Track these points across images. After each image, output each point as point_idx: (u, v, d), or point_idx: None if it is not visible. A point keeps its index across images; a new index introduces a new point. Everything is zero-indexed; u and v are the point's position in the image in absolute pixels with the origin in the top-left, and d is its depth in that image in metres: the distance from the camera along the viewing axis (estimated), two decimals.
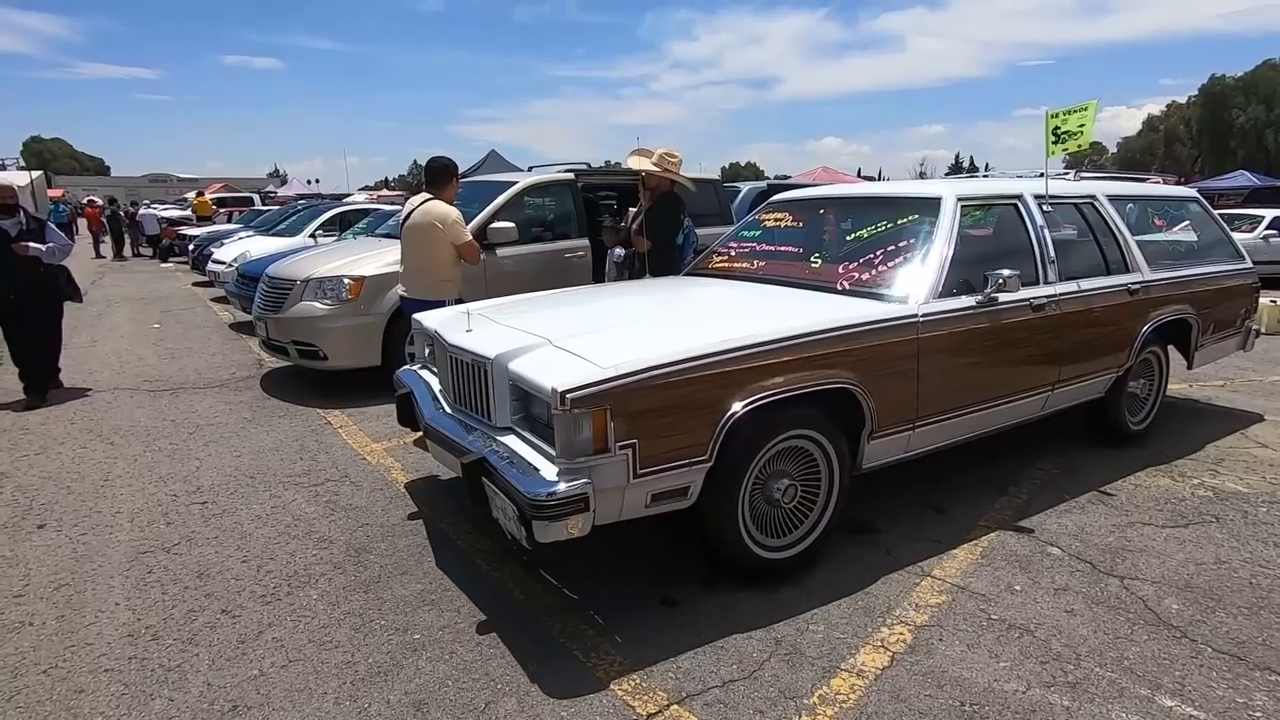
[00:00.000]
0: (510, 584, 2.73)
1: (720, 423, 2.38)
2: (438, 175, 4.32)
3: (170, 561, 2.92)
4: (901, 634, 2.39)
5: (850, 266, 3.27)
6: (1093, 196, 3.96)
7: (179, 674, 2.22)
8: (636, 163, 4.87)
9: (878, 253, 3.25)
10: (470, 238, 4.26)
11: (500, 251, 5.55)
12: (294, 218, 11.62)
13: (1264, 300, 5.58)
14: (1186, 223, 4.67)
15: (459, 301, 4.19)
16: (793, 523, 2.75)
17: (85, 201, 25.43)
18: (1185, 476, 3.71)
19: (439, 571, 2.82)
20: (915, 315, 2.89)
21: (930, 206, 3.30)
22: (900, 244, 3.23)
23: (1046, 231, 3.54)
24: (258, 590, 2.70)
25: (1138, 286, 3.82)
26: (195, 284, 12.46)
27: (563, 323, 2.91)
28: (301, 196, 24.89)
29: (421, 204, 4.23)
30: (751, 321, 2.69)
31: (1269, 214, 12.08)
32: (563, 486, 2.15)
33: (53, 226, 5.48)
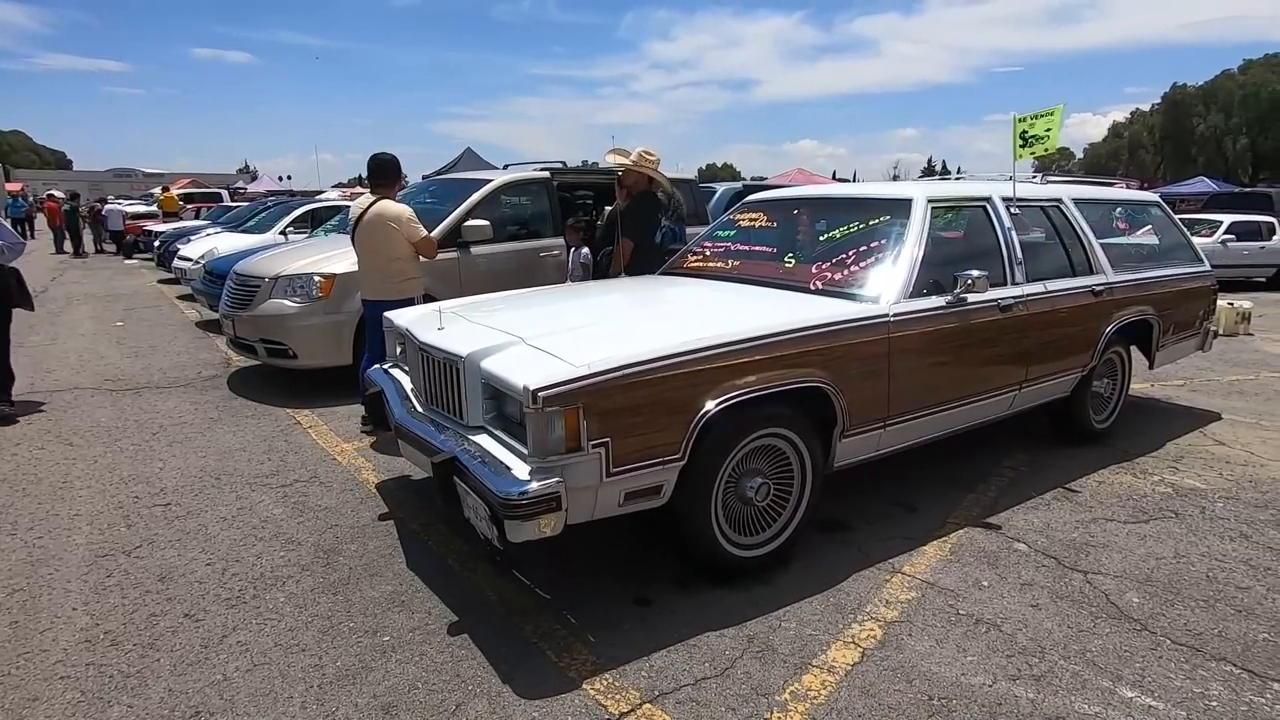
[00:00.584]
0: (483, 585, 2.71)
1: (693, 421, 2.38)
2: (384, 172, 4.21)
3: (131, 565, 2.84)
4: (872, 630, 2.42)
5: (823, 266, 3.30)
6: (1059, 200, 4.05)
7: (139, 680, 2.16)
8: (614, 160, 4.86)
9: (850, 253, 3.28)
10: (426, 233, 4.20)
11: (475, 250, 5.50)
12: (264, 214, 11.39)
13: (1221, 302, 5.74)
14: (1148, 226, 4.79)
15: (428, 298, 4.14)
16: (766, 521, 2.77)
17: (45, 196, 24.70)
18: (1146, 474, 3.81)
19: (410, 573, 2.79)
20: (886, 315, 2.92)
21: (901, 208, 3.34)
22: (872, 244, 3.27)
23: (1014, 234, 3.61)
24: (222, 594, 2.64)
25: (1101, 288, 3.91)
26: (160, 281, 12.17)
27: (536, 321, 2.89)
28: (271, 193, 24.44)
29: (371, 204, 4.14)
30: (725, 320, 2.70)
31: (1227, 219, 12.47)
32: (535, 485, 2.13)
33: (2, 223, 5.01)
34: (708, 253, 4.03)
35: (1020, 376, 3.55)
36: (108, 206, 19.96)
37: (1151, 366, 4.48)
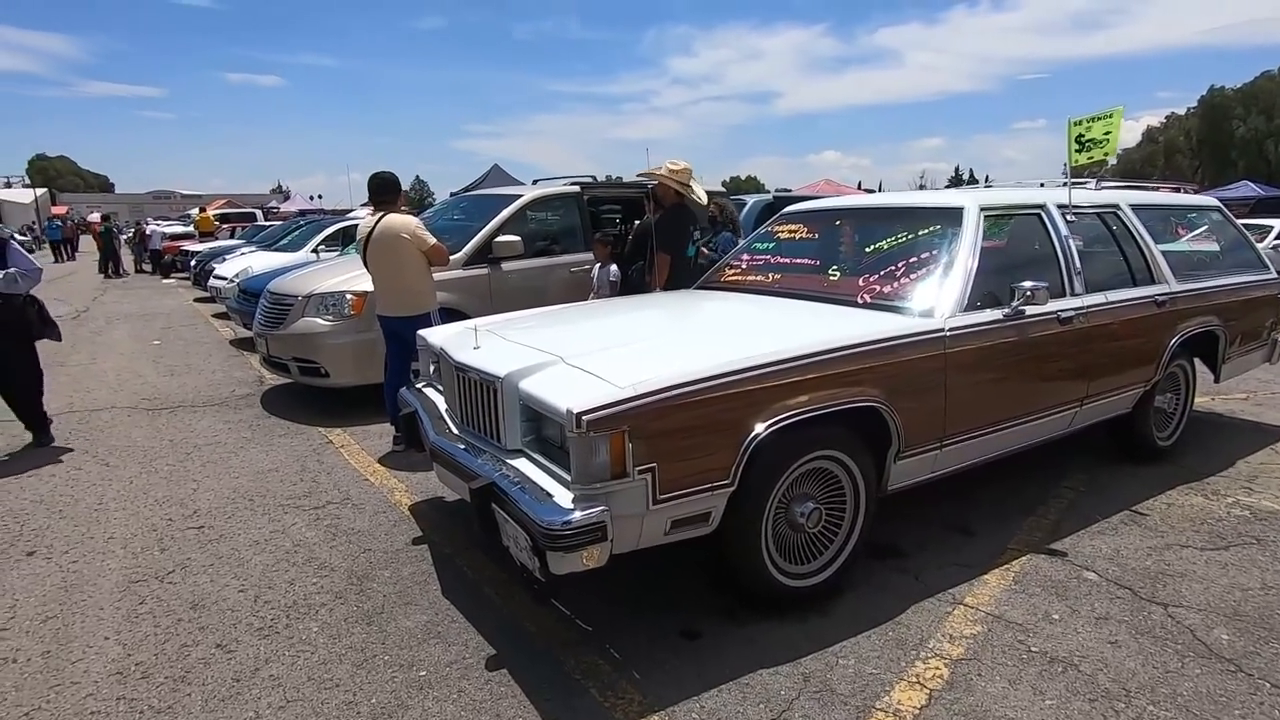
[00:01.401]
0: (521, 614, 2.60)
1: (743, 444, 2.25)
2: (385, 189, 4.19)
3: (164, 591, 2.79)
4: (938, 669, 2.25)
5: (871, 279, 3.16)
6: (1116, 205, 3.86)
7: (170, 716, 2.08)
8: (649, 175, 4.81)
9: (899, 265, 3.14)
10: (436, 240, 4.13)
11: (505, 265, 5.45)
12: (296, 233, 11.56)
13: None
14: (1210, 232, 4.56)
15: (457, 315, 4.08)
16: (817, 548, 2.62)
17: (85, 219, 25.49)
18: (1219, 495, 3.57)
19: (445, 601, 2.69)
20: (942, 329, 2.77)
21: (953, 217, 3.19)
22: (923, 255, 3.12)
23: (1071, 242, 3.43)
24: (254, 623, 2.56)
25: (1164, 298, 3.70)
26: (196, 300, 12.38)
27: (575, 339, 2.79)
28: (304, 212, 24.92)
29: (379, 220, 4.10)
30: (773, 337, 2.57)
31: (1277, 224, 12.00)
32: (579, 514, 2.02)
33: (17, 248, 4.47)
34: (746, 266, 3.91)
35: (1081, 392, 3.36)
36: (150, 227, 20.47)
37: (1217, 380, 4.24)
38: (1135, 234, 3.81)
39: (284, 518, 3.46)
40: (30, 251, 4.59)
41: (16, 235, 27.58)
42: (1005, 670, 2.24)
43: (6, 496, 3.78)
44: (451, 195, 11.58)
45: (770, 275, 3.68)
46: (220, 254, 11.99)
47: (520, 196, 5.87)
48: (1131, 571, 2.83)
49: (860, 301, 3.06)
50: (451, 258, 4.66)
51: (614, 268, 5.45)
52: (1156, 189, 5.06)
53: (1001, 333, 2.95)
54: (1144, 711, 2.05)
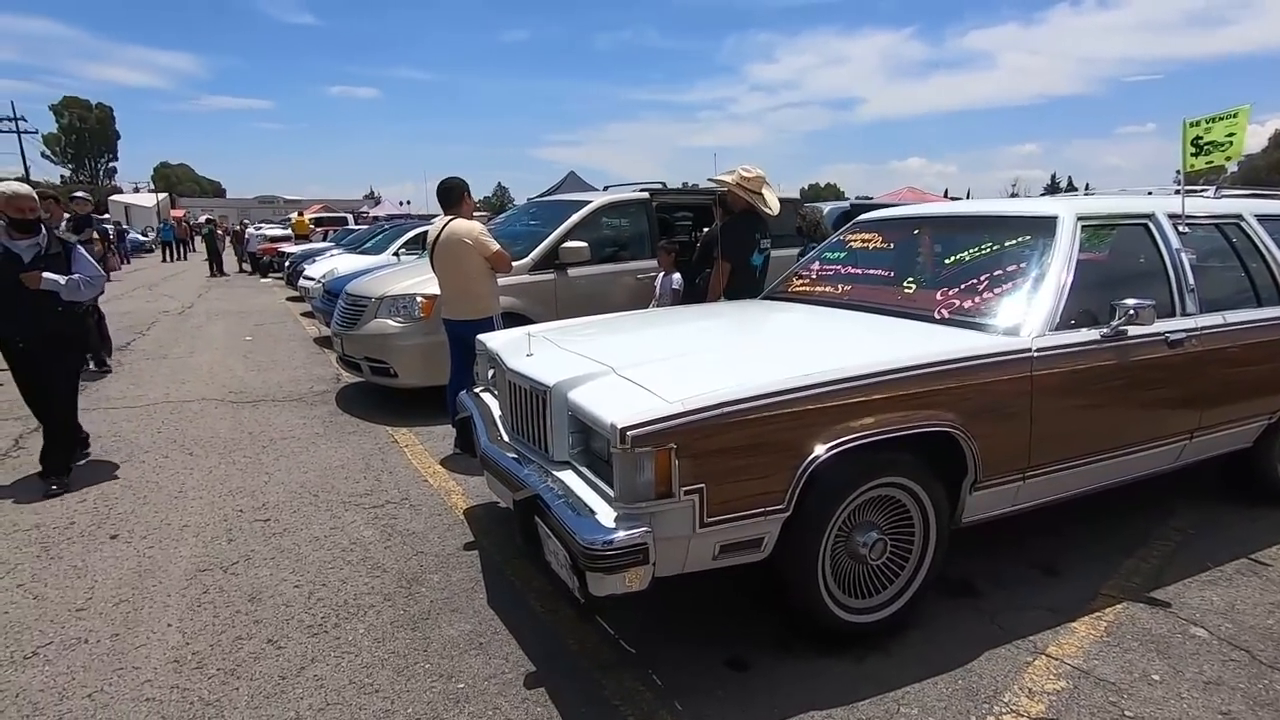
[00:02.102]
0: (564, 630, 2.52)
1: (800, 467, 2.10)
2: (450, 195, 4.25)
3: (226, 582, 2.88)
4: None
5: (950, 293, 2.93)
6: (1239, 216, 3.45)
7: (216, 710, 2.12)
8: (723, 177, 4.69)
9: (982, 278, 2.90)
10: (499, 247, 4.15)
11: (572, 271, 5.45)
12: (379, 236, 12.04)
13: None
14: None
15: (520, 320, 4.08)
16: (881, 581, 2.43)
17: (196, 220, 27.45)
18: None
19: (490, 611, 2.65)
20: (1029, 349, 2.53)
21: (1045, 227, 2.93)
22: (1010, 269, 2.87)
23: (1184, 255, 3.08)
24: (306, 620, 2.59)
25: None
26: (289, 299, 13.09)
27: (628, 349, 2.71)
28: (391, 216, 26.04)
29: (445, 225, 4.15)
30: (837, 353, 2.41)
31: None
32: (621, 535, 1.93)
33: (83, 254, 4.04)
34: (816, 276, 3.72)
35: (1192, 424, 3.01)
36: (249, 231, 21.86)
37: None
38: (1262, 248, 3.40)
39: (344, 514, 3.53)
40: (115, 256, 4.47)
41: (138, 235, 30.00)
42: None
43: (102, 479, 4.04)
44: (529, 201, 11.81)
45: (840, 286, 3.49)
46: (311, 256, 12.64)
47: (589, 203, 5.86)
48: (1249, 630, 2.49)
49: (937, 316, 2.84)
50: (518, 263, 4.70)
51: (677, 275, 5.36)
52: (1265, 195, 4.54)
53: (1098, 355, 2.67)
54: None
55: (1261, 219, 3.52)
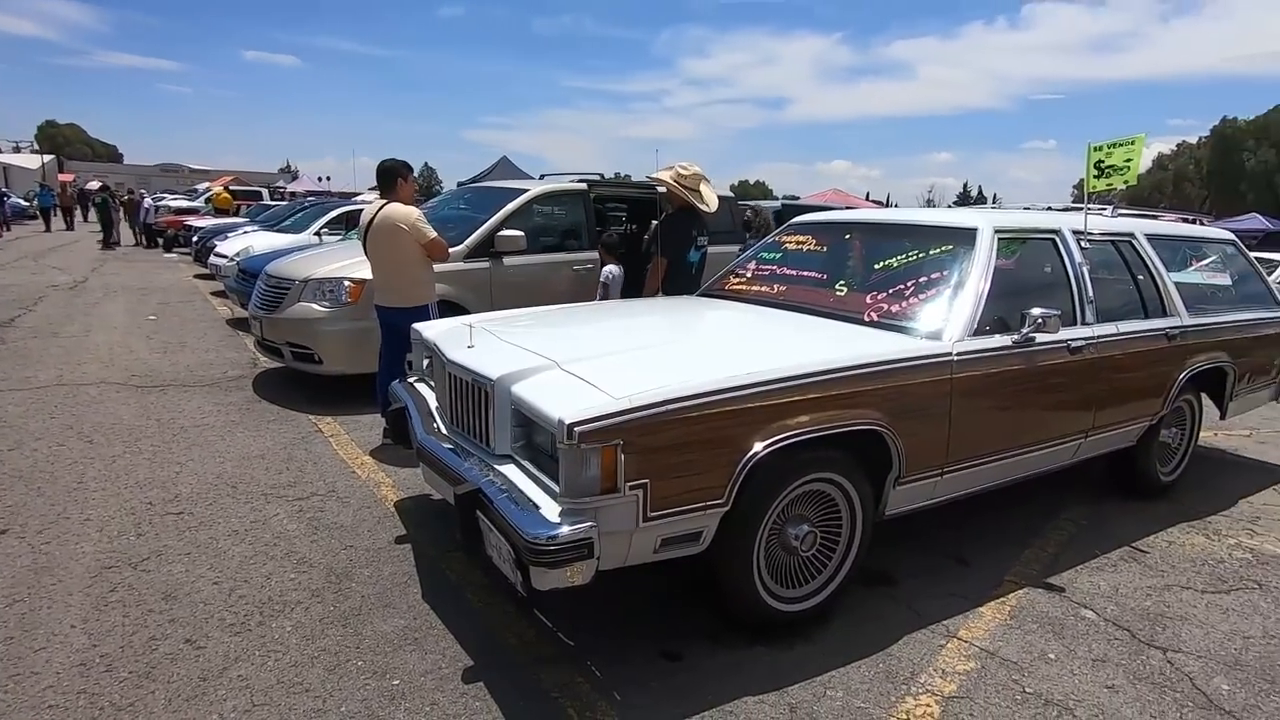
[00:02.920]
0: (501, 624, 2.52)
1: (740, 463, 2.18)
2: (388, 177, 4.12)
3: (136, 579, 2.71)
4: (928, 706, 2.18)
5: (878, 297, 3.08)
6: (1131, 234, 3.78)
7: (130, 715, 2.01)
8: (663, 174, 4.75)
9: (908, 284, 3.06)
10: (435, 234, 4.05)
11: (507, 260, 5.38)
12: (300, 214, 11.46)
13: None
14: (1221, 266, 4.48)
15: (456, 309, 4.01)
16: (810, 572, 2.55)
17: (86, 187, 25.20)
18: (1221, 535, 3.50)
19: (425, 605, 2.61)
20: (950, 353, 2.70)
21: (966, 237, 3.12)
22: (933, 275, 3.04)
23: (1085, 269, 3.36)
24: (227, 618, 2.48)
25: (1176, 331, 3.63)
26: (197, 276, 12.29)
27: (572, 343, 2.72)
28: (310, 193, 24.82)
29: (379, 209, 4.03)
30: (776, 353, 2.50)
31: None
32: (566, 530, 1.94)
33: None
34: (751, 275, 3.83)
35: (1087, 424, 3.29)
36: (147, 201, 20.32)
37: (1223, 416, 4.16)
38: (1149, 264, 3.74)
39: (266, 507, 3.38)
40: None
41: (19, 199, 27.26)
42: (998, 710, 2.17)
43: None
44: (459, 185, 11.50)
45: (775, 286, 3.60)
46: (222, 231, 11.89)
47: (526, 191, 5.79)
48: (1130, 612, 2.76)
49: (867, 319, 2.99)
50: (452, 250, 4.59)
51: (614, 268, 5.38)
52: (1157, 217, 5.00)
53: (1010, 359, 2.87)
54: None
55: (1150, 238, 3.87)
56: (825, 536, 2.54)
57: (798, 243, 3.87)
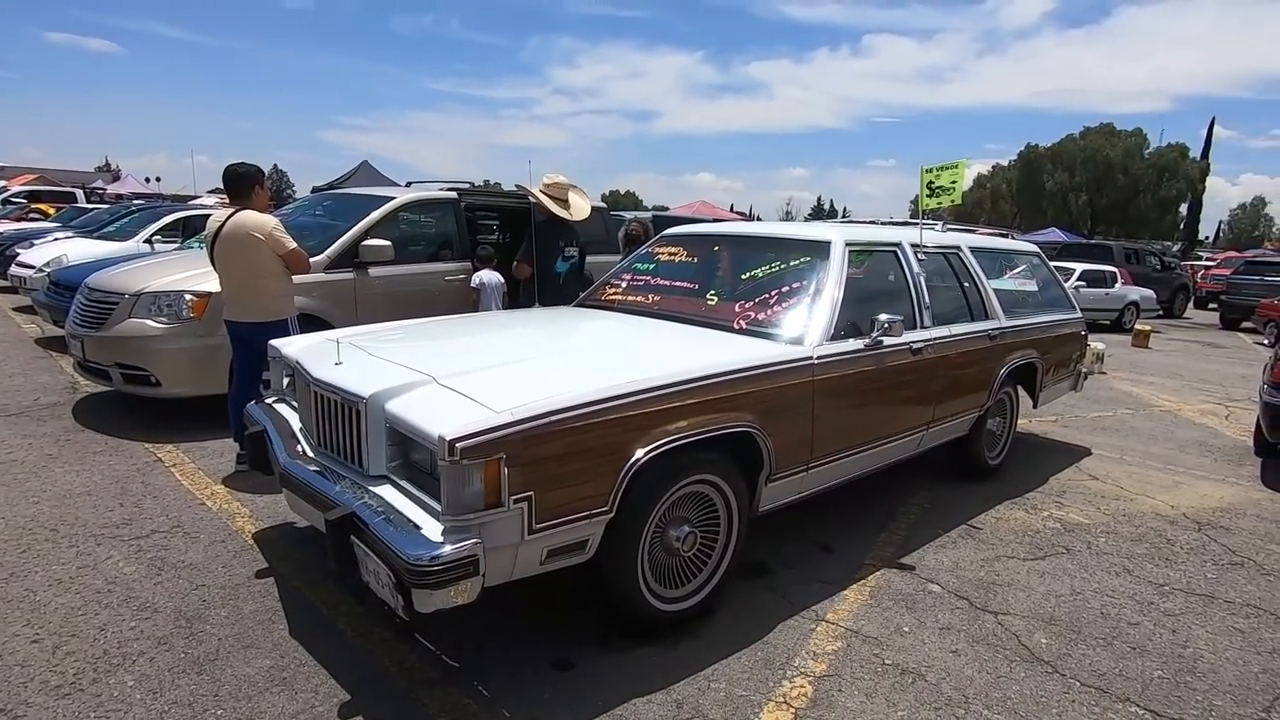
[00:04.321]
0: (379, 652, 2.40)
1: (622, 470, 2.23)
2: (241, 182, 3.80)
3: None
4: (802, 687, 2.33)
5: (746, 305, 3.27)
6: (958, 247, 4.26)
7: None
8: (524, 189, 4.78)
9: (772, 293, 3.27)
10: (295, 244, 3.81)
11: (373, 271, 5.13)
12: (126, 219, 10.25)
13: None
14: (1029, 274, 5.16)
15: (319, 323, 3.79)
16: (692, 571, 2.64)
17: None
18: (1036, 509, 4.02)
19: (293, 641, 2.44)
20: (811, 357, 2.91)
21: (822, 250, 3.38)
22: (794, 285, 3.27)
23: (922, 279, 3.74)
24: (51, 679, 2.18)
25: (996, 332, 4.13)
26: None
27: (447, 357, 2.66)
28: (137, 195, 22.29)
29: (229, 217, 3.74)
30: (653, 361, 2.58)
31: (1079, 267, 13.88)
32: (449, 548, 1.90)
33: None
34: (627, 285, 3.92)
35: (928, 417, 3.66)
36: None
37: (1035, 406, 4.78)
38: (973, 273, 4.23)
39: (96, 550, 3.00)
40: None
41: None
42: (862, 684, 2.37)
43: None
44: (314, 190, 10.81)
45: (650, 296, 3.71)
46: (26, 238, 10.38)
47: (393, 199, 5.55)
48: (969, 583, 3.10)
49: (736, 327, 3.16)
50: (312, 260, 4.32)
51: (487, 274, 5.34)
52: (976, 231, 5.69)
53: (863, 361, 3.15)
54: (980, 717, 2.24)
55: (974, 250, 4.38)
56: (705, 536, 2.65)
57: (670, 254, 4.01)
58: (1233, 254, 28.20)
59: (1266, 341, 6.56)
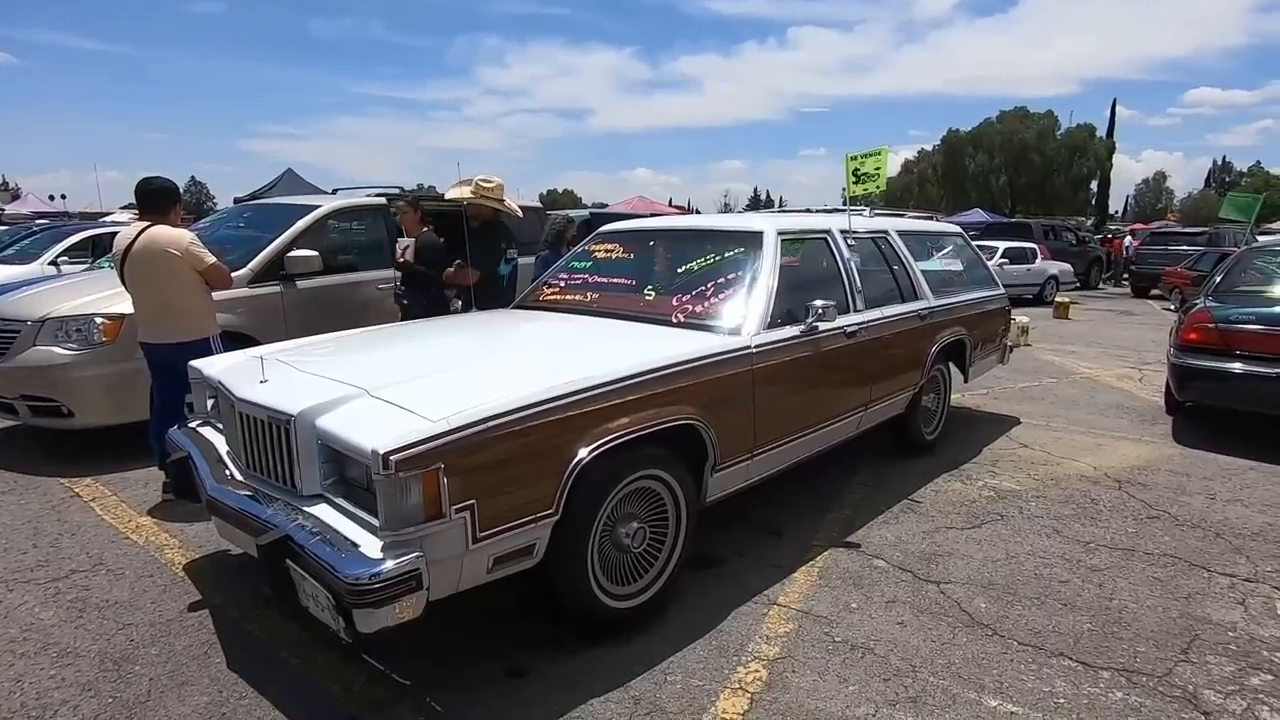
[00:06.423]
0: (325, 677, 2.32)
1: (566, 472, 2.21)
2: (158, 198, 3.62)
3: None
4: (757, 671, 2.37)
5: (684, 299, 3.29)
6: (886, 232, 4.39)
7: None
8: (456, 193, 4.64)
9: (708, 285, 3.30)
10: (214, 259, 3.64)
11: (301, 283, 4.95)
12: (26, 240, 9.61)
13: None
14: (954, 254, 5.36)
15: (244, 340, 3.64)
16: (643, 567, 2.65)
17: None
18: (972, 479, 4.19)
19: (231, 675, 2.33)
20: (749, 347, 2.95)
21: (754, 240, 3.43)
22: (730, 276, 3.30)
23: (853, 264, 3.84)
24: None
25: (926, 312, 4.28)
26: None
27: (379, 368, 2.58)
28: (40, 215, 20.95)
29: (140, 233, 3.54)
30: (593, 359, 2.57)
31: (1001, 245, 14.52)
32: (390, 564, 1.84)
33: None
34: (564, 285, 3.89)
35: (866, 398, 3.76)
36: None
37: (966, 380, 4.98)
38: (901, 256, 4.37)
39: (8, 597, 2.80)
40: None
41: None
42: (815, 663, 2.42)
43: None
44: (236, 201, 10.34)
45: (588, 295, 3.70)
46: None
47: (318, 207, 5.37)
48: (912, 556, 3.20)
49: (675, 321, 3.17)
50: (235, 275, 4.14)
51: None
52: (901, 215, 5.89)
53: (799, 348, 3.20)
54: (927, 684, 2.31)
55: (901, 234, 4.52)
56: (654, 531, 2.66)
57: (606, 251, 4.00)
58: (1138, 226, 30.02)
59: (1173, 307, 7.00)
